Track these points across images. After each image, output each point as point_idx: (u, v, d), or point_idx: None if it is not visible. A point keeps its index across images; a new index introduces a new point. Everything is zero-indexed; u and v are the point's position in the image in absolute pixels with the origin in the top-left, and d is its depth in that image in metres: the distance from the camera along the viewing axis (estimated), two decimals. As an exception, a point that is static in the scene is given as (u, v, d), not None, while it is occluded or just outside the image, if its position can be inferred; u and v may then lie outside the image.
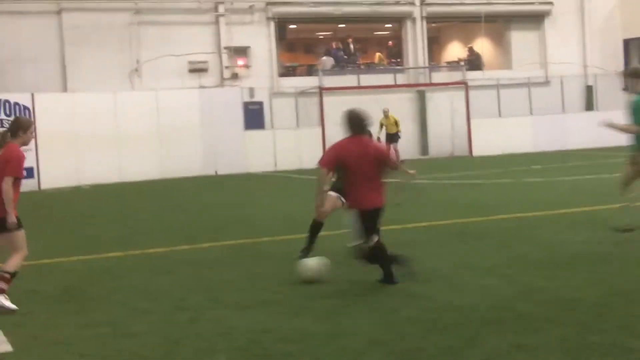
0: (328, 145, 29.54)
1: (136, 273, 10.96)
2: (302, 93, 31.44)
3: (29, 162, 25.23)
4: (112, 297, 9.44)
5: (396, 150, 29.79)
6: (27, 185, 25.04)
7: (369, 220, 9.21)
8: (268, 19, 31.82)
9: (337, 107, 30.48)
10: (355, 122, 9.54)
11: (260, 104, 30.94)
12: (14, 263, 8.66)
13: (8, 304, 8.50)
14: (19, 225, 8.72)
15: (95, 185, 24.05)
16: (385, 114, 29.99)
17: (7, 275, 8.59)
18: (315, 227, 10.83)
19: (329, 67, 33.25)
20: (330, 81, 31.63)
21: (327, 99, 30.94)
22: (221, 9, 30.76)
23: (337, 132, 10.00)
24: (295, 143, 29.92)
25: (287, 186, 22.46)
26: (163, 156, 27.55)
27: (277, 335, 7.27)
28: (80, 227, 16.19)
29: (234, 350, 6.95)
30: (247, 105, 30.31)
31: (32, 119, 25.45)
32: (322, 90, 31.10)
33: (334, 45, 35.31)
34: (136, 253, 12.58)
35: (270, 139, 29.71)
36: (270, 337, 7.25)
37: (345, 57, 34.82)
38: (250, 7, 31.22)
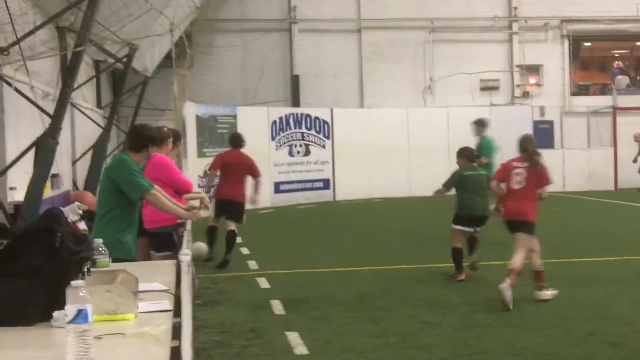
0: (620, 166, 28.71)
1: (424, 285, 11.22)
2: (595, 112, 30.52)
3: (325, 174, 26.57)
4: (401, 308, 9.73)
5: None
6: (323, 196, 26.43)
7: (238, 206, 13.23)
8: (562, 36, 31.17)
9: (632, 128, 29.62)
10: (236, 139, 13.93)
11: (551, 122, 30.39)
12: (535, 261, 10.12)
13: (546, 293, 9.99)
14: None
15: (385, 199, 24.71)
16: (635, 138, 28.62)
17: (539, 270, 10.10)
18: (455, 254, 11.71)
19: (624, 86, 32.04)
20: (625, 101, 30.50)
21: (621, 119, 29.88)
22: (515, 27, 30.59)
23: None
24: (585, 164, 29.17)
25: (574, 208, 21.96)
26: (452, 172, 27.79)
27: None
28: (372, 239, 16.75)
29: (520, 371, 7.04)
30: (537, 124, 29.90)
31: (331, 133, 26.72)
32: (615, 110, 30.08)
33: (616, 64, 33.89)
34: (424, 266, 12.87)
35: (560, 158, 29.08)
36: (557, 361, 7.26)
37: (628, 76, 33.21)
38: (545, 24, 30.75)
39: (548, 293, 9.95)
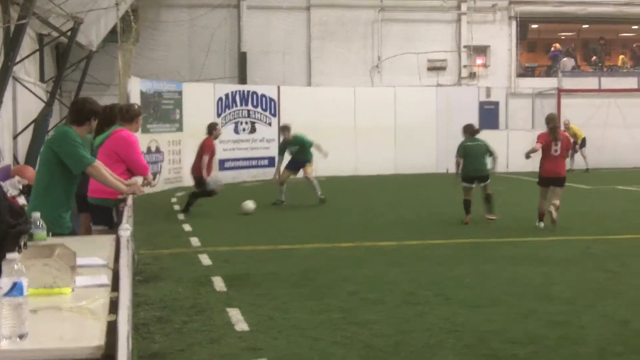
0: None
1: (368, 264, 11.27)
2: (540, 94, 30.86)
3: (271, 151, 26.54)
4: (344, 285, 9.74)
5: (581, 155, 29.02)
6: (268, 173, 26.29)
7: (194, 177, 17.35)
8: (510, 18, 31.41)
9: (575, 110, 30.02)
10: (207, 127, 17.48)
11: (496, 104, 30.67)
12: None
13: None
14: None
15: (331, 178, 24.75)
16: (566, 126, 29.16)
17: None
18: (464, 204, 14.89)
19: (569, 68, 32.41)
20: (570, 83, 30.85)
21: (566, 101, 30.25)
22: (464, 7, 30.70)
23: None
24: (530, 145, 29.32)
25: (518, 188, 22.21)
26: (398, 152, 28.08)
27: (505, 337, 7.31)
28: (316, 216, 16.79)
29: (462, 347, 7.05)
30: (482, 105, 30.16)
31: (277, 111, 26.66)
32: (560, 92, 30.43)
33: (554, 47, 34.12)
34: (368, 245, 12.94)
35: (504, 139, 29.40)
36: (498, 338, 7.29)
37: (574, 58, 33.51)
38: (493, 5, 30.90)
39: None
